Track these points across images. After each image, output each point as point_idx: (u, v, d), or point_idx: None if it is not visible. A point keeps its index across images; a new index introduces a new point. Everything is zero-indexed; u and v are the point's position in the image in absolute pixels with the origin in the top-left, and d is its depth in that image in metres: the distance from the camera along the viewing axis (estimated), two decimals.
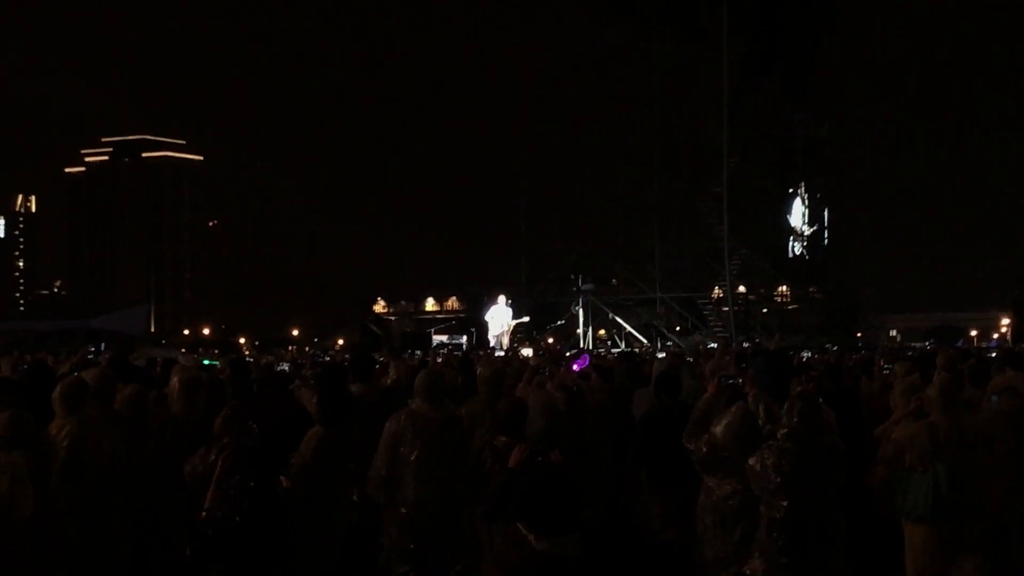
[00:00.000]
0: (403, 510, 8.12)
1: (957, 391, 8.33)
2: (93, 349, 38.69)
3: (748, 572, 7.21)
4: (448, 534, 8.01)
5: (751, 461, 7.28)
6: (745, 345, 33.61)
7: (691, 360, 19.83)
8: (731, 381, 8.62)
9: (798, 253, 57.96)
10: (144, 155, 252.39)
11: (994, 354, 26.52)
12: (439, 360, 19.18)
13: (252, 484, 7.19)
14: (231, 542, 7.06)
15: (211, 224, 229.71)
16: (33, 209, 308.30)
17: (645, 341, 51.78)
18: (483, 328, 50.54)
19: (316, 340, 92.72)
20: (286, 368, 17.75)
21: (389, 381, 12.03)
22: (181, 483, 7.68)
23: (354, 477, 8.41)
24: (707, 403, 8.25)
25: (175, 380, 9.70)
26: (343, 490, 8.22)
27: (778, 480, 7.12)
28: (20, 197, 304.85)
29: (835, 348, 34.63)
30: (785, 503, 7.11)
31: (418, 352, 32.74)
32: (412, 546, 8.08)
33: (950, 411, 8.00)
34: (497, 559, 6.12)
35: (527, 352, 31.96)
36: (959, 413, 8.08)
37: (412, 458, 8.09)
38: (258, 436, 7.35)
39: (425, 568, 8.02)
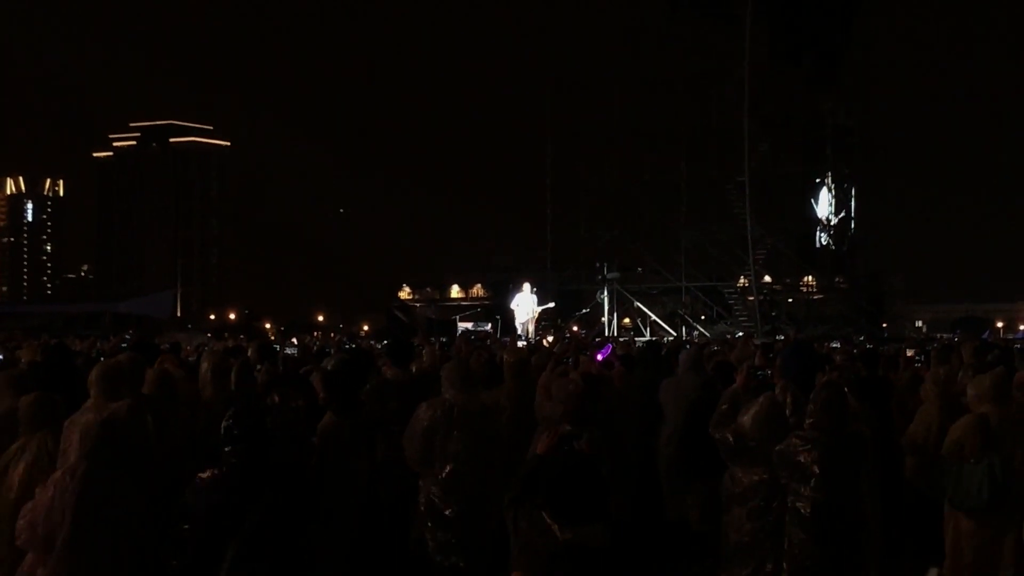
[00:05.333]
0: (436, 490, 8.12)
1: (1010, 384, 8.32)
2: (128, 336, 38.81)
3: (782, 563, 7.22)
4: (483, 523, 8.01)
5: (778, 450, 7.29)
6: (780, 338, 33.43)
7: (717, 349, 19.76)
8: (760, 372, 8.62)
9: (825, 243, 57.62)
10: (172, 140, 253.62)
11: (1018, 345, 26.39)
12: (464, 347, 19.18)
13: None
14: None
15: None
16: (61, 193, 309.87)
17: (670, 330, 51.65)
18: (509, 315, 50.53)
19: (341, 326, 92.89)
20: (294, 353, 17.62)
21: (427, 366, 12.11)
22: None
23: (367, 464, 8.41)
24: (735, 393, 8.25)
25: (205, 365, 9.71)
26: (356, 477, 8.23)
27: (806, 469, 7.12)
28: (48, 181, 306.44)
29: (862, 339, 34.45)
30: (813, 492, 7.12)
31: (443, 339, 32.75)
32: (448, 515, 8.09)
33: (1004, 403, 7.98)
34: (522, 547, 6.12)
35: (551, 339, 31.91)
36: (1010, 406, 8.07)
37: (448, 448, 8.09)
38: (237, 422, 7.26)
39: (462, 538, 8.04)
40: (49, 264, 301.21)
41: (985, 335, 51.12)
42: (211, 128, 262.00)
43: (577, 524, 5.67)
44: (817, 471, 7.12)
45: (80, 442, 5.67)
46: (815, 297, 59.20)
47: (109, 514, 5.72)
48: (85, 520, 5.59)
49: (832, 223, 56.98)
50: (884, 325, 55.91)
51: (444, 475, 8.10)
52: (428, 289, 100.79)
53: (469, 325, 55.61)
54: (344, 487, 8.08)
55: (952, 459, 7.85)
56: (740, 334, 37.57)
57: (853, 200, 57.93)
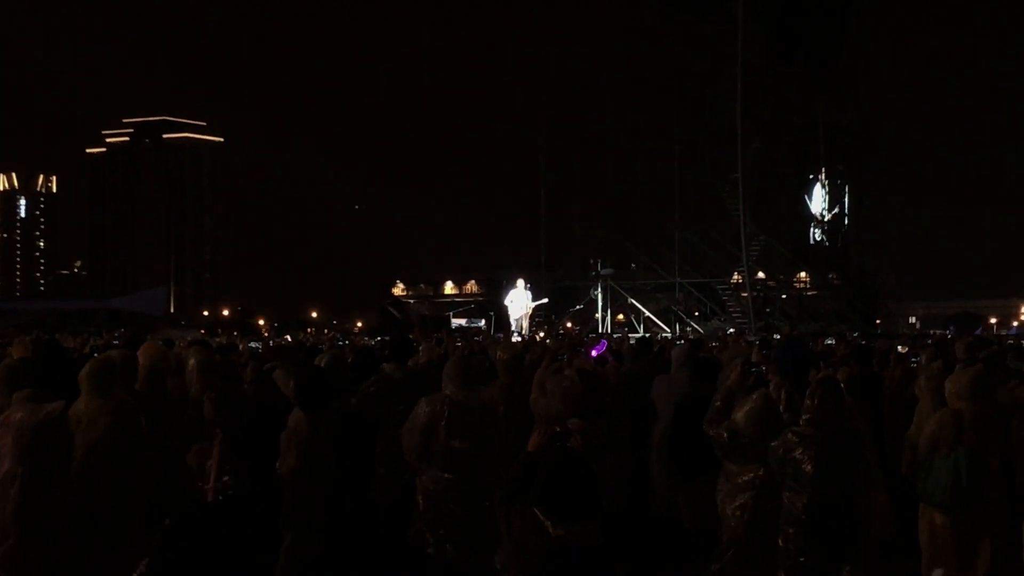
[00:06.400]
0: (434, 486, 8.10)
1: (990, 382, 8.32)
2: (121, 332, 38.74)
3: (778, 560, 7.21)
4: (481, 520, 7.98)
5: (773, 446, 7.28)
6: (776, 337, 33.53)
7: (715, 345, 19.78)
8: (755, 369, 8.61)
9: (818, 239, 57.65)
10: (165, 136, 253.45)
11: (1011, 342, 26.43)
12: (459, 344, 19.19)
13: (250, 464, 7.18)
14: (233, 519, 7.06)
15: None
16: (54, 189, 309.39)
17: (664, 326, 51.69)
18: (503, 312, 50.53)
19: (335, 322, 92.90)
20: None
21: (423, 362, 12.09)
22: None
23: (335, 460, 8.39)
24: (729, 390, 8.24)
25: (192, 362, 9.66)
26: (323, 473, 8.23)
27: (801, 465, 7.11)
28: (41, 177, 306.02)
29: (856, 335, 34.42)
30: (808, 488, 7.10)
31: (437, 335, 32.74)
32: (446, 519, 8.06)
33: (980, 401, 7.98)
34: (515, 545, 6.10)
35: (541, 335, 31.89)
36: (988, 403, 8.06)
37: (446, 444, 8.05)
38: (253, 417, 7.32)
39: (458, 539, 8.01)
40: (42, 260, 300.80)
41: (978, 331, 51.25)
42: (204, 124, 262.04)
43: (570, 522, 5.64)
44: (812, 468, 7.10)
45: (15, 444, 5.55)
46: (809, 293, 59.27)
47: (56, 516, 5.64)
48: (32, 526, 5.49)
49: (826, 219, 57.02)
50: (878, 321, 55.95)
51: (442, 471, 8.07)
52: (422, 285, 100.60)
53: (463, 321, 55.68)
54: (310, 483, 8.07)
55: (926, 454, 7.87)
56: (731, 330, 37.56)
57: (847, 197, 58.00)
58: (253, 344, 18.33)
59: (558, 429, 6.45)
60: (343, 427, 8.69)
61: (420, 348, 14.07)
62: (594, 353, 13.29)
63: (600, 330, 47.50)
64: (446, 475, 8.04)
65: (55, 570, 5.59)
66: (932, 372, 10.01)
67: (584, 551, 5.66)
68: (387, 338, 20.98)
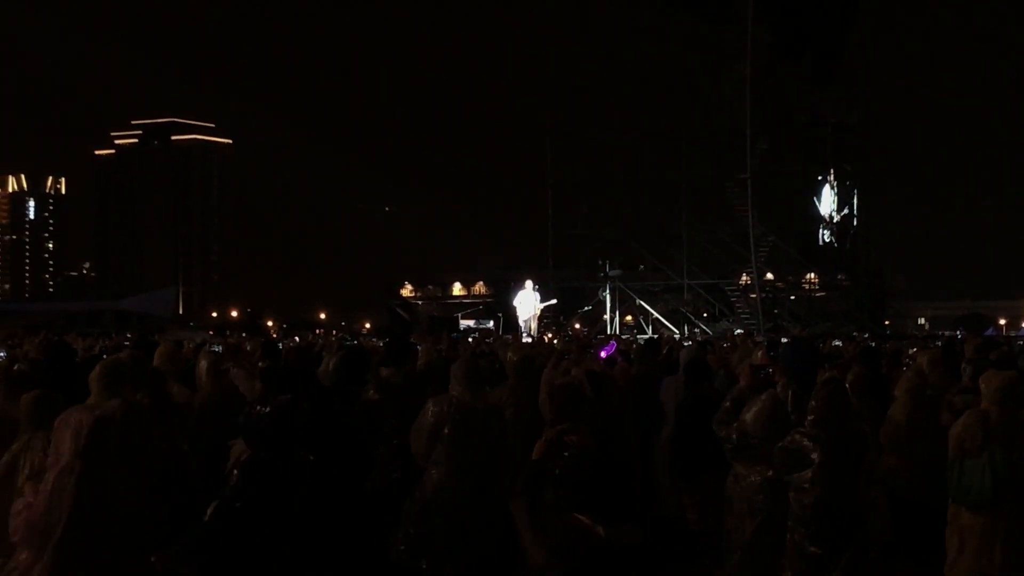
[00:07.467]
0: (431, 493, 8.09)
1: (1018, 388, 8.30)
2: (129, 336, 38.87)
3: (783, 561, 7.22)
4: (477, 522, 7.96)
5: (780, 447, 7.28)
6: (784, 340, 33.47)
7: (727, 346, 19.77)
8: (763, 371, 8.61)
9: (827, 240, 57.51)
10: (173, 138, 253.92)
11: (1021, 343, 26.39)
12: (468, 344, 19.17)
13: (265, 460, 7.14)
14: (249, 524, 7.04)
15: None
16: (63, 191, 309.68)
17: (672, 327, 51.57)
18: (512, 313, 50.43)
19: (343, 323, 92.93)
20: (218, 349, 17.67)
21: (422, 364, 12.05)
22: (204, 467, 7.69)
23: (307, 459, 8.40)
24: (741, 391, 8.25)
25: (203, 363, 9.66)
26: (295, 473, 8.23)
27: (807, 466, 7.11)
28: (50, 179, 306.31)
29: (865, 335, 34.33)
30: (814, 488, 7.10)
31: (453, 334, 32.65)
32: (435, 530, 8.04)
33: (1007, 403, 7.96)
34: (554, 550, 6.06)
35: (549, 336, 31.83)
36: (1015, 405, 8.05)
37: (450, 445, 8.04)
38: (270, 415, 7.30)
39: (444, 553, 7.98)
40: (51, 262, 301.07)
41: (988, 332, 51.15)
42: (212, 126, 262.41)
43: (610, 521, 5.66)
44: (818, 468, 7.11)
45: (73, 440, 5.70)
46: (817, 294, 59.14)
47: (103, 513, 5.74)
48: (80, 520, 5.61)
49: (835, 220, 56.88)
50: (887, 322, 55.83)
51: (448, 472, 8.07)
52: (430, 287, 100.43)
53: (471, 323, 55.63)
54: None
55: (955, 455, 7.84)
56: (739, 331, 37.48)
57: (856, 197, 57.85)
58: (216, 347, 18.38)
59: (561, 427, 6.42)
60: (335, 431, 8.67)
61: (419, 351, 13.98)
62: (603, 354, 13.26)
63: (608, 331, 47.41)
64: (451, 476, 8.04)
65: (91, 565, 5.69)
66: (913, 371, 10.02)
67: (626, 551, 5.67)
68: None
